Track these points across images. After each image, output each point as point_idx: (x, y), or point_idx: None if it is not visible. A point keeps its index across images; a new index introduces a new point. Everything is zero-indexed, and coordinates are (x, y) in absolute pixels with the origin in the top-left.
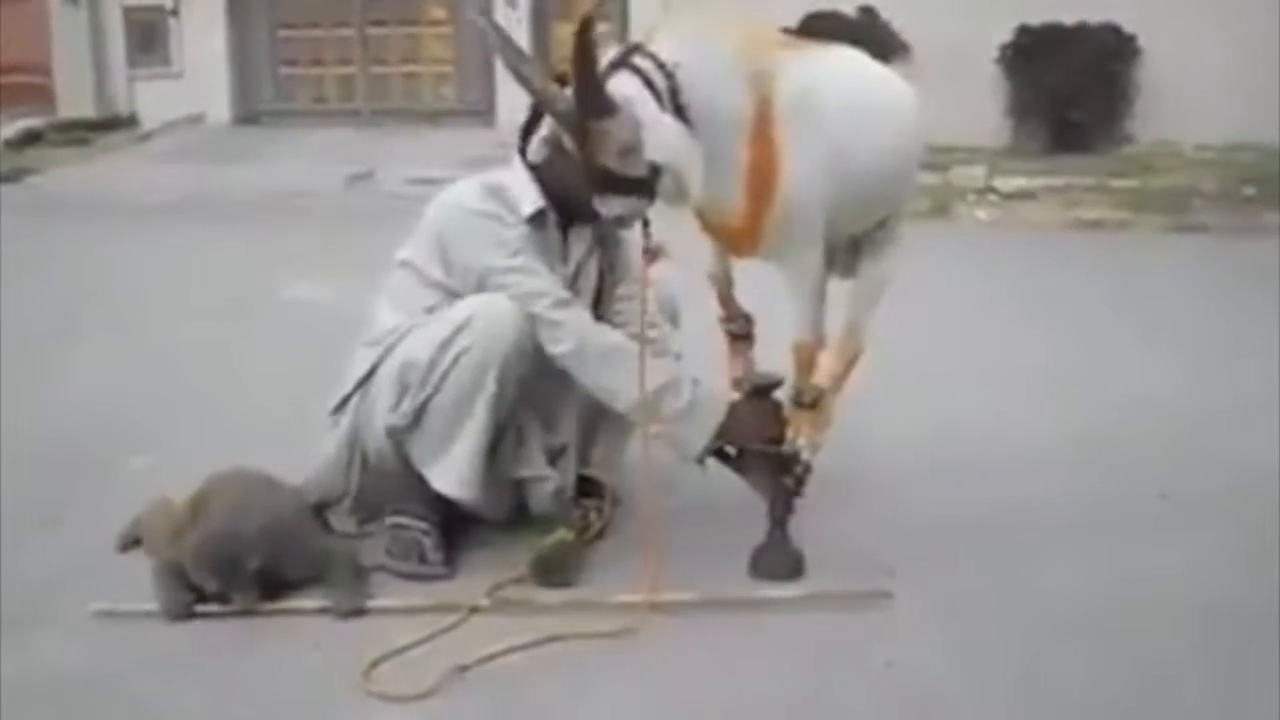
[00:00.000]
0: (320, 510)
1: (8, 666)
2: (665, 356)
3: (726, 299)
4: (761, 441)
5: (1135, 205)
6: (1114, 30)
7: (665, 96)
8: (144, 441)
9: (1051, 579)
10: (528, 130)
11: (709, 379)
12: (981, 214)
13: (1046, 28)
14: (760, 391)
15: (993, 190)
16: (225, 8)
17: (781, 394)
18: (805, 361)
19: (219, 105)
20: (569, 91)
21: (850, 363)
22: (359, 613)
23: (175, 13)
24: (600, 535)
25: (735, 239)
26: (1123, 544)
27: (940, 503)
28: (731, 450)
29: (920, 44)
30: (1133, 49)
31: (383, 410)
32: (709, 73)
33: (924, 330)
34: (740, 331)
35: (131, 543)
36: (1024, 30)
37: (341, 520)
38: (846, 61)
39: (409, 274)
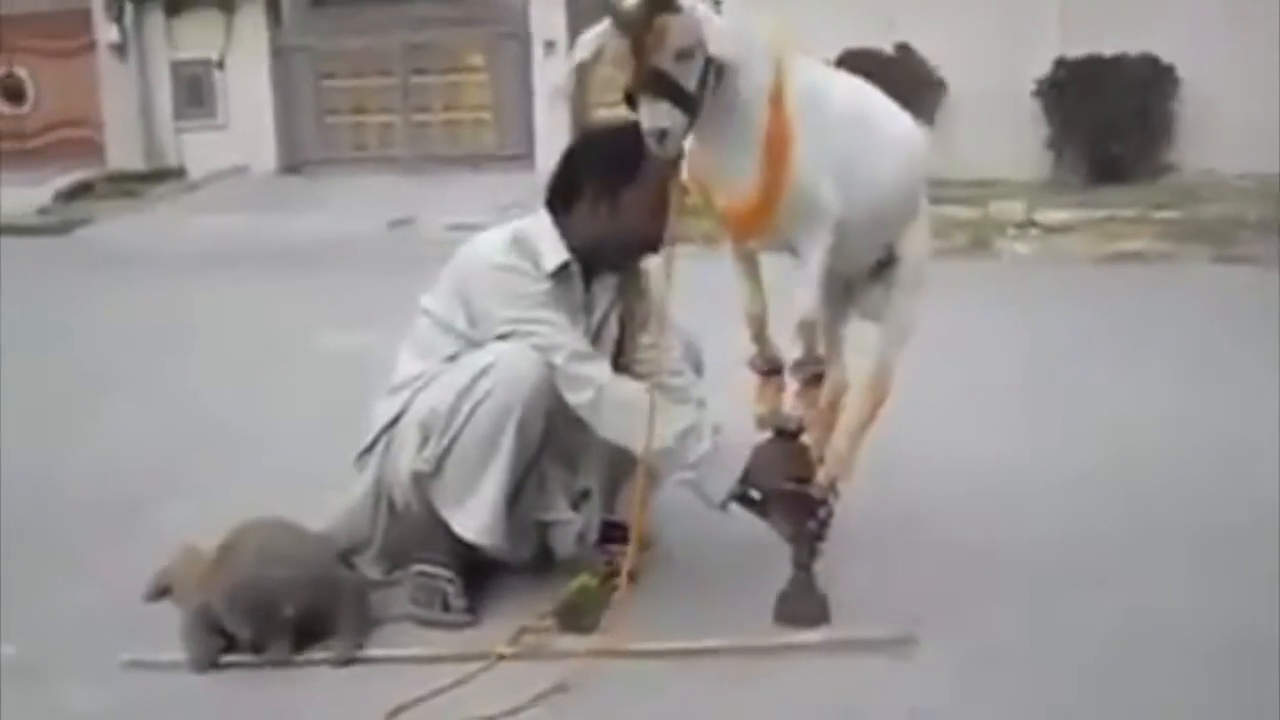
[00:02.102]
0: (347, 557)
1: (35, 714)
2: (688, 404)
3: (760, 336)
4: (786, 484)
5: (1178, 236)
6: (1153, 61)
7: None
8: (180, 489)
9: (1082, 622)
10: (555, 182)
11: (733, 419)
12: (1021, 248)
13: (1085, 60)
14: (784, 434)
15: (1033, 224)
16: (269, 59)
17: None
18: (810, 338)
19: (264, 155)
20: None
21: (875, 407)
22: (349, 662)
23: (221, 65)
24: (628, 580)
25: (748, 220)
26: (1156, 584)
27: (970, 543)
28: (755, 494)
29: (957, 80)
30: (1172, 79)
31: (406, 457)
32: (744, 33)
33: (958, 366)
34: (770, 369)
35: (161, 591)
36: (1062, 63)
37: (368, 567)
38: (850, 79)
39: (431, 322)
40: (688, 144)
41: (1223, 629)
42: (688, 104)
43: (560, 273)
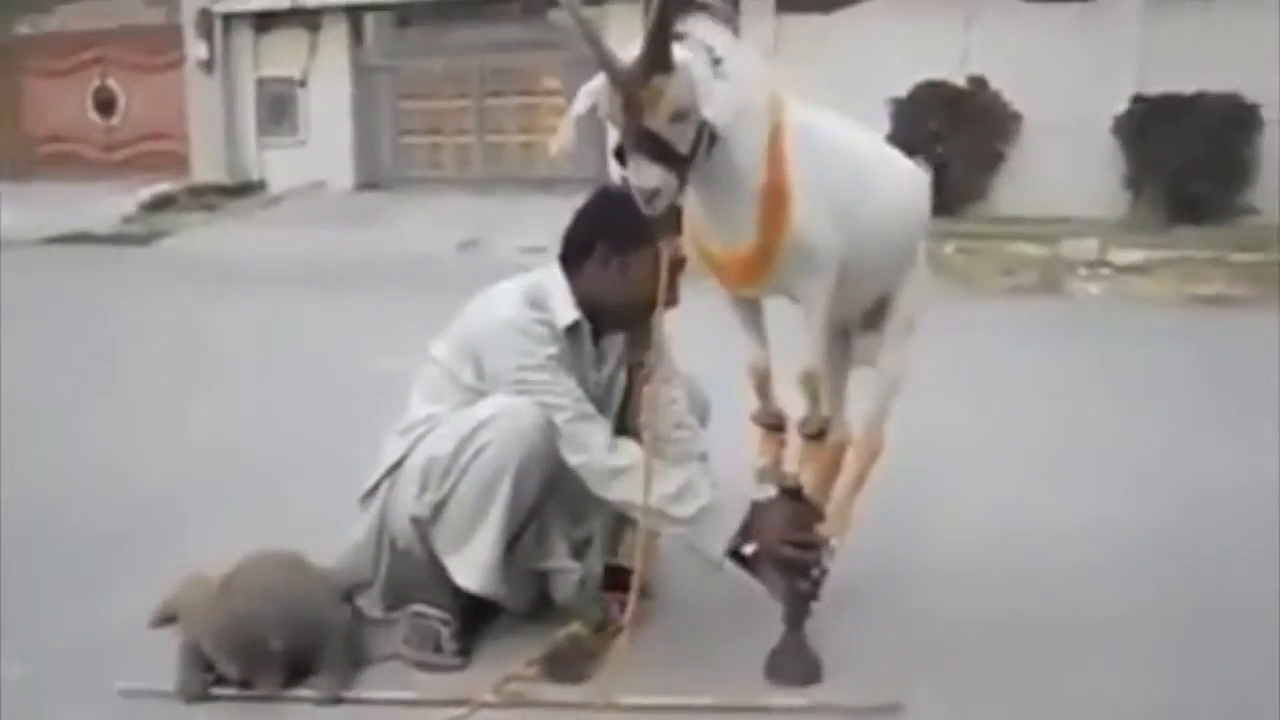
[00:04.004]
0: (351, 594)
1: None
2: (689, 460)
3: (764, 391)
4: (785, 544)
5: (1256, 280)
6: (1236, 100)
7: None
8: (210, 514)
9: (1085, 698)
10: (568, 238)
11: (736, 472)
12: (1093, 288)
13: (1164, 98)
14: (786, 492)
15: (1105, 263)
16: (350, 79)
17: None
18: (814, 389)
19: (342, 172)
20: (629, 54)
21: (871, 461)
22: (335, 701)
23: (304, 83)
24: (624, 630)
25: (747, 269)
26: (1173, 660)
27: (974, 605)
28: (748, 550)
29: (1032, 114)
30: (1256, 119)
31: (408, 500)
32: (742, 73)
33: (1012, 413)
34: (773, 424)
35: (167, 618)
36: (1140, 100)
37: (370, 605)
38: (849, 123)
39: (440, 371)
40: (683, 197)
41: (1241, 713)
42: (679, 166)
43: (572, 329)
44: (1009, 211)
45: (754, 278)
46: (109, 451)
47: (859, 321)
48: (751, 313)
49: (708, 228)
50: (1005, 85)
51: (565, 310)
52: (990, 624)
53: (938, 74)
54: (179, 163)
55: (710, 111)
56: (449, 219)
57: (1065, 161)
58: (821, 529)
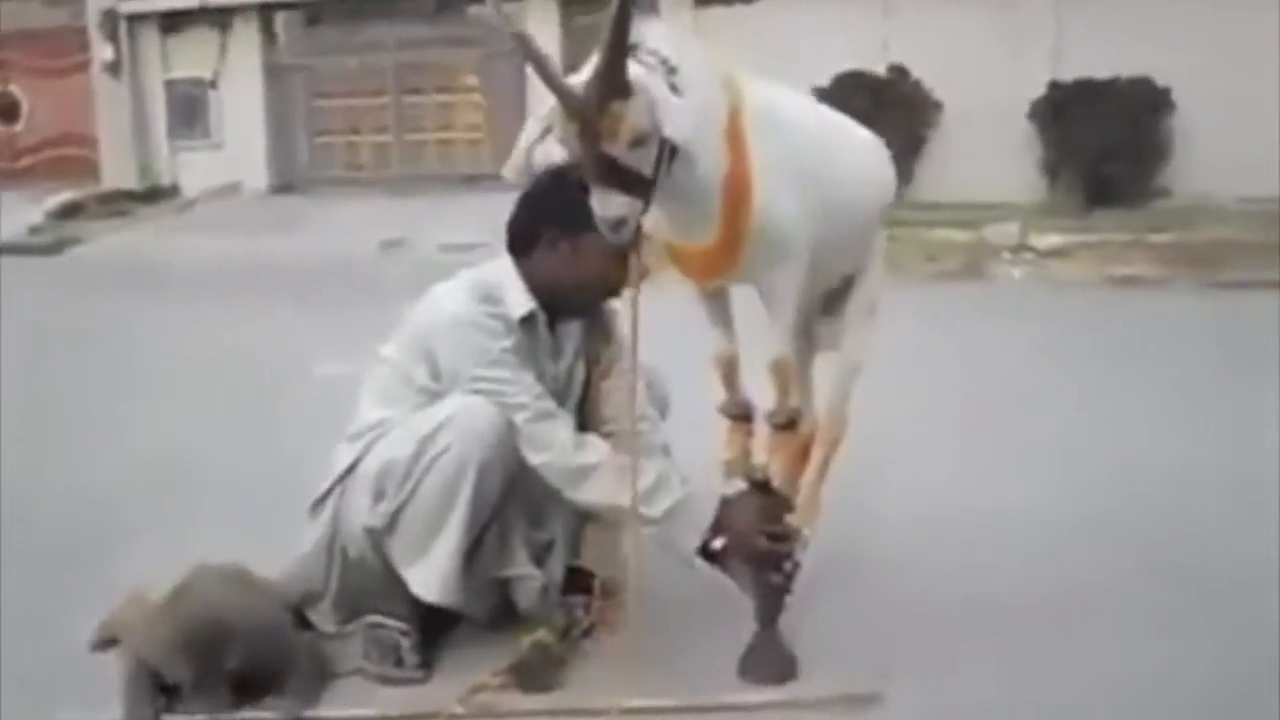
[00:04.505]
0: (300, 608)
1: None
2: (653, 452)
3: (731, 382)
4: (756, 537)
5: (1173, 261)
6: (1148, 84)
7: (667, 88)
8: (144, 530)
9: (1058, 678)
10: (513, 226)
11: (701, 465)
12: (1016, 272)
13: (1079, 83)
14: (755, 485)
15: (1027, 248)
16: (262, 79)
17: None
18: (784, 379)
19: (257, 174)
20: (580, 78)
21: (834, 446)
22: None
23: (215, 84)
24: (589, 632)
25: (712, 261)
26: (1136, 636)
27: (945, 592)
28: (716, 545)
29: (952, 102)
30: (1167, 102)
31: (361, 509)
32: (696, 75)
33: (941, 398)
34: (740, 415)
35: (108, 641)
36: (1056, 86)
37: (322, 618)
38: (807, 99)
39: (392, 372)
40: None
41: (1215, 685)
42: (644, 188)
43: (526, 320)
44: (931, 198)
45: (721, 269)
46: (35, 468)
47: (819, 305)
48: (719, 303)
49: (669, 223)
50: (925, 74)
51: (519, 301)
52: (949, 609)
53: (858, 63)
54: (88, 169)
55: (671, 129)
56: (369, 219)
57: (985, 147)
58: (792, 519)
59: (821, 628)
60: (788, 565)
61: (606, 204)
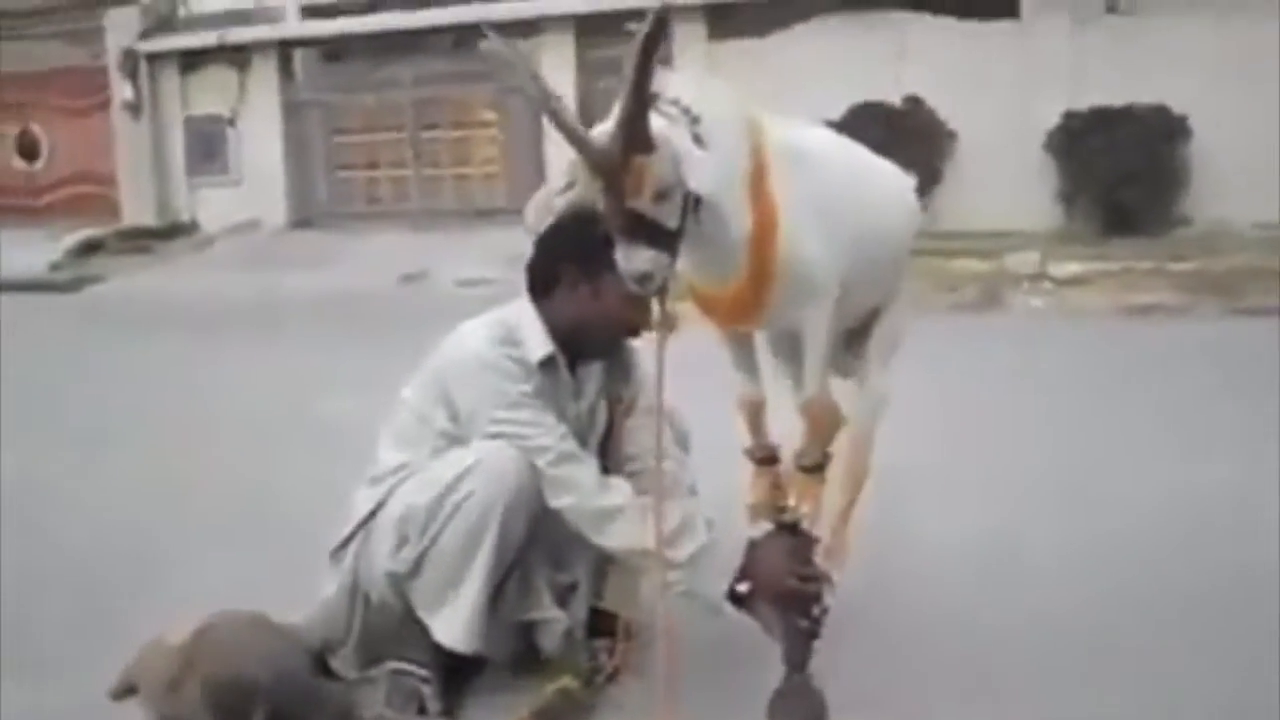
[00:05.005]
0: (322, 654)
1: None
2: (679, 494)
3: (756, 426)
4: (784, 579)
5: (1193, 288)
6: (1164, 111)
7: (690, 140)
8: (161, 573)
9: (1093, 711)
10: (532, 268)
11: (728, 507)
12: (1035, 301)
13: (1094, 111)
14: (783, 528)
15: (1046, 277)
16: (281, 116)
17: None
18: (818, 420)
19: (276, 210)
20: (603, 130)
21: (858, 485)
22: None
23: (234, 122)
24: (614, 676)
25: (739, 305)
26: (1172, 673)
27: (980, 632)
28: (742, 589)
29: (967, 132)
30: (1184, 129)
31: (383, 554)
32: (718, 122)
33: (963, 432)
34: (765, 458)
35: (127, 689)
36: (1072, 115)
37: (344, 664)
38: (831, 134)
39: (411, 415)
40: None
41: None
42: (670, 241)
43: (546, 363)
44: (948, 227)
45: (748, 314)
46: (46, 506)
47: (843, 340)
48: (743, 347)
49: (695, 269)
50: (940, 104)
51: (538, 344)
52: (979, 645)
53: (873, 95)
54: (108, 207)
55: (695, 182)
56: (388, 254)
57: (1000, 177)
58: (821, 562)
59: (851, 669)
60: (816, 610)
61: (633, 258)
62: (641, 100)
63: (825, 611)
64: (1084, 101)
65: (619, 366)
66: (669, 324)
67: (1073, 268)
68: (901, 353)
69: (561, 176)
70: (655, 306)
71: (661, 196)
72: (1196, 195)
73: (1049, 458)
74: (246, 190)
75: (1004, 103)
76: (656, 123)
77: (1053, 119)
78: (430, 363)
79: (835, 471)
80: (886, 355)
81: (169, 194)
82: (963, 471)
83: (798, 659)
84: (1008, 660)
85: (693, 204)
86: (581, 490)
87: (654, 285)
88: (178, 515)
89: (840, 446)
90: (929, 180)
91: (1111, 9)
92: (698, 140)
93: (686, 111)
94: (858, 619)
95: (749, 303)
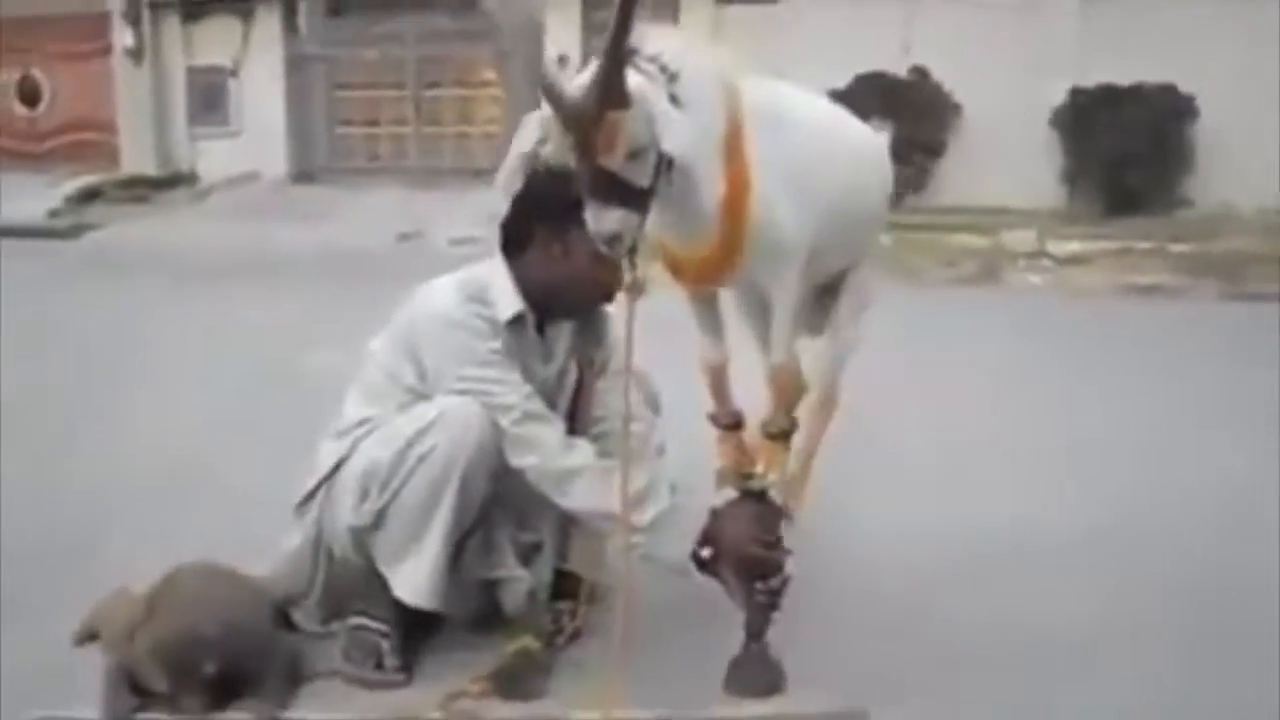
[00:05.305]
0: (285, 606)
1: None
2: (644, 457)
3: (720, 390)
4: (748, 546)
5: (1193, 270)
6: (1171, 91)
7: (666, 99)
8: (137, 525)
9: (1060, 704)
10: (507, 225)
11: (695, 469)
12: (1034, 279)
13: (1101, 89)
14: (748, 494)
15: (1045, 254)
16: (284, 69)
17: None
18: (784, 387)
19: (276, 163)
20: (578, 84)
21: (825, 425)
22: None
23: (236, 73)
24: (575, 637)
25: (710, 267)
26: (1146, 663)
27: (947, 608)
28: (706, 554)
29: (972, 105)
30: (1191, 110)
31: (346, 508)
32: (696, 82)
33: (953, 407)
34: (730, 424)
35: (89, 636)
36: (1078, 92)
37: (306, 618)
38: (806, 93)
39: (378, 370)
40: None
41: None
42: (640, 201)
43: (515, 322)
44: (949, 202)
45: (718, 274)
46: (32, 457)
47: (813, 296)
48: (708, 309)
49: (666, 230)
50: (946, 76)
51: (507, 302)
52: (954, 627)
53: (879, 65)
54: (107, 154)
55: (670, 143)
56: (387, 210)
57: (1004, 153)
58: (782, 491)
59: (813, 645)
60: (775, 581)
61: (602, 218)
62: (619, 53)
63: (786, 582)
64: (1091, 79)
65: (590, 329)
66: (638, 288)
67: (1072, 246)
68: (897, 324)
69: (529, 134)
70: (626, 269)
71: (634, 155)
72: (1202, 177)
73: (1043, 434)
74: (247, 142)
75: (1011, 78)
76: (633, 79)
77: (1059, 96)
78: (398, 317)
79: (803, 408)
80: (857, 311)
81: (169, 143)
82: (954, 446)
83: (757, 627)
84: (986, 651)
85: (665, 165)
86: (545, 450)
87: (623, 246)
88: (163, 464)
89: (812, 381)
90: (932, 153)
91: None
92: (674, 99)
93: (664, 69)
94: (825, 593)
95: (719, 264)
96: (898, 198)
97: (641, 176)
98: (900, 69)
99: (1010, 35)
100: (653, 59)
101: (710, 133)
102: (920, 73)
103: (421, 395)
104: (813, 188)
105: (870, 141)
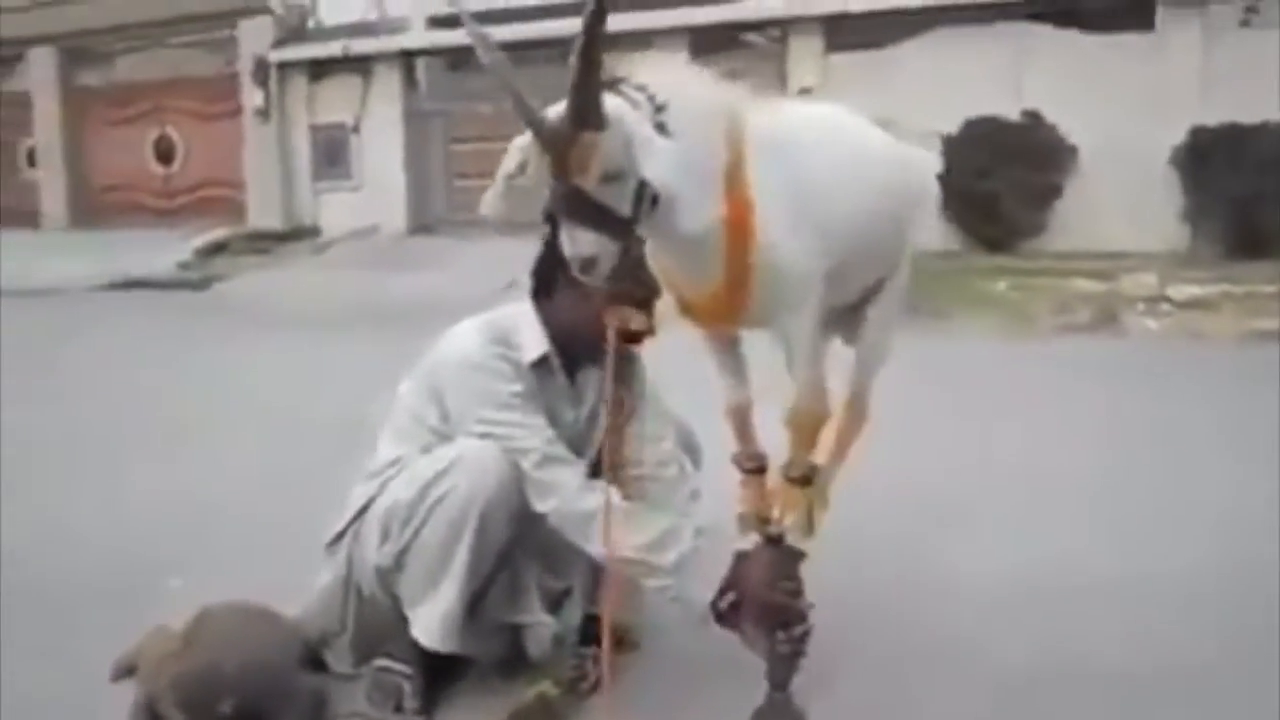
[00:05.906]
0: (318, 646)
1: None
2: (671, 500)
3: (744, 432)
4: (768, 593)
5: None
6: None
7: (651, 126)
8: (197, 565)
9: None
10: (536, 268)
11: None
12: (1152, 324)
13: (1224, 128)
14: (771, 540)
15: (1165, 299)
16: (402, 124)
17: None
18: (803, 430)
19: (395, 216)
20: (558, 109)
21: (853, 435)
22: None
23: (357, 129)
24: (597, 686)
25: (719, 306)
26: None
27: (1011, 663)
28: (724, 604)
29: (1089, 146)
30: None
31: (372, 548)
32: (690, 114)
33: (1066, 454)
34: (753, 467)
35: (127, 671)
36: (1199, 130)
37: (338, 658)
38: (820, 111)
39: (407, 411)
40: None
41: None
42: (619, 229)
43: (541, 365)
44: (1065, 247)
45: (729, 315)
46: (115, 501)
47: (838, 311)
48: (729, 350)
49: (670, 269)
50: (1061, 118)
51: (533, 344)
52: (1001, 686)
53: (991, 108)
54: (235, 209)
55: (651, 171)
56: (496, 259)
57: (1122, 195)
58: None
59: (852, 694)
60: (797, 630)
61: (575, 241)
62: (590, 73)
63: (808, 631)
64: (1214, 117)
65: (620, 369)
66: (648, 331)
67: (1193, 290)
68: (1010, 371)
69: (512, 157)
70: (635, 316)
71: (610, 179)
72: None
73: (1161, 485)
74: (367, 196)
75: (1128, 118)
76: (612, 102)
77: (1179, 135)
78: (425, 360)
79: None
80: (890, 323)
81: (294, 198)
82: (1064, 495)
83: (780, 677)
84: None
85: (650, 195)
86: (564, 493)
87: (599, 274)
88: (228, 513)
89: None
90: (1046, 198)
91: (1245, 23)
92: (660, 128)
93: (651, 98)
94: (856, 641)
95: (728, 302)
96: (1013, 244)
97: (619, 201)
98: (1013, 112)
99: (1128, 74)
100: (640, 87)
101: (702, 164)
102: (1033, 115)
103: (444, 436)
104: (826, 213)
105: (892, 154)
